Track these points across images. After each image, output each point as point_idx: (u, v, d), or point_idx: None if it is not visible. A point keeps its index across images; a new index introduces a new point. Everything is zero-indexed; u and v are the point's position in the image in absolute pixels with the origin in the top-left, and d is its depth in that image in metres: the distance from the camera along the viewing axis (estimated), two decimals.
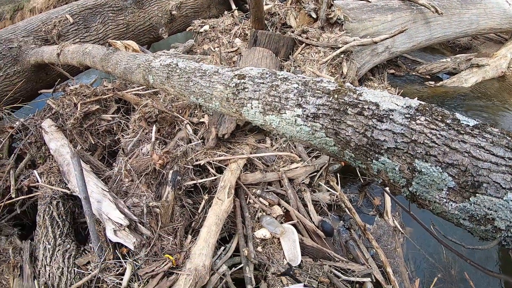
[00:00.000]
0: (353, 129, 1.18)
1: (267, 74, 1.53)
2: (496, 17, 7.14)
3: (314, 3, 4.06)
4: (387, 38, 4.15)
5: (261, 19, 3.96)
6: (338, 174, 3.41)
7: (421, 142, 1.04)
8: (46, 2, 15.95)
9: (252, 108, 1.51)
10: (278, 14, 4.30)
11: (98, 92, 3.74)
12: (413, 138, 1.05)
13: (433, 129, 1.04)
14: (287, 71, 3.59)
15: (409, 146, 1.05)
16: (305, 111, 1.31)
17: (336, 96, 1.27)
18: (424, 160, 1.03)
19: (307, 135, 1.33)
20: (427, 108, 1.10)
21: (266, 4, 4.27)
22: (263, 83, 1.49)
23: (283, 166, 3.05)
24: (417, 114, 1.09)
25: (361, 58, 4.40)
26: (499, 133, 0.99)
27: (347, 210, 3.13)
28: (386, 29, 5.11)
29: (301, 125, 1.33)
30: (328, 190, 3.21)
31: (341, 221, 3.16)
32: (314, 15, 4.05)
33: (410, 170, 1.06)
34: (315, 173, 3.24)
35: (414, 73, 6.45)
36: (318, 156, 3.26)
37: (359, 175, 3.54)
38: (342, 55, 3.70)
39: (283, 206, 2.87)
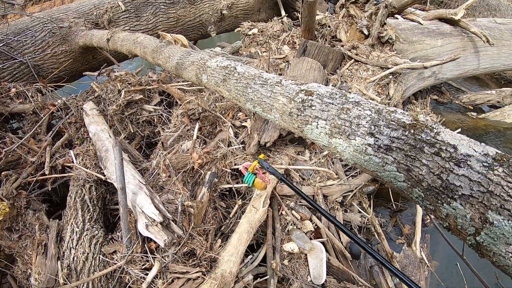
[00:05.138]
0: (428, 169, 1.14)
1: (337, 94, 1.49)
2: None
3: (367, 20, 3.99)
4: (437, 64, 4.04)
5: (311, 29, 3.92)
6: (371, 196, 3.34)
7: (497, 194, 1.00)
8: None
9: (317, 128, 1.47)
10: (329, 26, 4.24)
11: (143, 82, 3.78)
12: (489, 189, 1.02)
13: (510, 182, 1.00)
14: (333, 85, 3.54)
15: (484, 196, 1.02)
16: (377, 141, 1.27)
17: (412, 131, 1.22)
18: (497, 213, 1.00)
19: (376, 166, 1.29)
20: (504, 159, 1.07)
21: (317, 15, 4.22)
22: (332, 103, 1.45)
23: (319, 182, 3.00)
24: (494, 164, 1.05)
25: (407, 81, 4.30)
26: None
27: (376, 235, 3.06)
28: (435, 53, 5.00)
29: (371, 155, 1.29)
30: (360, 212, 3.15)
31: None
32: (365, 32, 3.98)
33: (481, 220, 1.03)
34: (349, 193, 3.18)
35: (457, 102, 6.28)
36: (354, 176, 3.21)
37: (392, 200, 3.47)
38: (390, 76, 3.62)
39: (314, 222, 2.83)
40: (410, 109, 4.58)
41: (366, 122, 1.32)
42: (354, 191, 3.19)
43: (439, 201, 1.12)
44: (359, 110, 1.37)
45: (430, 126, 1.23)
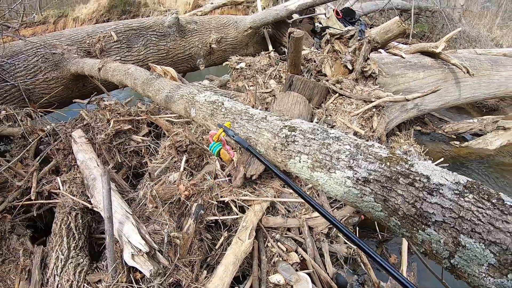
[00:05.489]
0: (403, 199, 1.21)
1: (318, 130, 1.57)
2: None
3: (351, 55, 4.14)
4: (419, 97, 4.18)
5: (298, 64, 4.05)
6: (357, 227, 3.37)
7: (468, 218, 1.07)
8: (90, 15, 16.67)
9: (300, 162, 1.53)
10: (315, 61, 4.38)
11: (132, 112, 3.83)
12: (460, 215, 1.08)
13: (479, 207, 1.07)
14: (318, 119, 3.63)
15: (456, 222, 1.09)
16: (356, 174, 1.34)
17: (388, 163, 1.29)
18: (469, 236, 1.06)
19: (355, 197, 1.35)
20: (474, 186, 1.13)
21: (303, 50, 4.36)
22: (314, 139, 1.52)
23: (305, 214, 3.03)
24: (465, 191, 1.12)
25: (390, 113, 4.43)
26: None
27: (362, 265, 3.07)
28: (417, 86, 5.17)
29: (350, 187, 1.35)
30: (346, 243, 3.16)
31: (355, 276, 3.10)
32: (350, 67, 4.12)
33: (454, 244, 1.09)
34: None
35: (440, 132, 6.45)
36: (340, 208, 3.24)
37: (378, 230, 3.50)
38: (374, 109, 3.73)
39: (300, 254, 2.84)
40: (394, 140, 4.69)
41: (346, 156, 1.39)
42: None
43: (414, 228, 1.18)
44: (339, 145, 1.45)
45: (405, 158, 1.30)
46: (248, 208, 2.90)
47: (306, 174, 1.53)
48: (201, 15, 13.19)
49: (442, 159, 4.31)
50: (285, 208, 3.03)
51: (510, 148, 6.45)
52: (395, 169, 1.27)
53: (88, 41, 4.89)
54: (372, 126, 3.67)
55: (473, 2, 21.32)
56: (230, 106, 2.09)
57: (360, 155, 1.37)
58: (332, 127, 3.49)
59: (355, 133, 3.47)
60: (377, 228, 3.49)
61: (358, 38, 4.24)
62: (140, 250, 2.25)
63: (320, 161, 1.46)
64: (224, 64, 5.25)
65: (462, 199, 1.10)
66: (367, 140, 3.61)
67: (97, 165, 3.16)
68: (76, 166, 3.31)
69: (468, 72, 5.66)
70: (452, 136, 6.41)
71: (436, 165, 4.05)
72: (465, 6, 16.63)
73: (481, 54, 7.77)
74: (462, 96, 6.12)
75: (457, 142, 6.22)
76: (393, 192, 1.23)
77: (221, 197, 2.91)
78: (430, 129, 6.49)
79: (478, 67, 6.23)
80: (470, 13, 17.58)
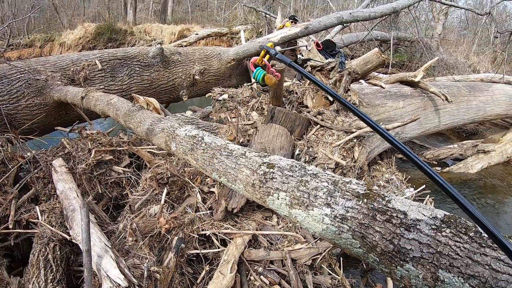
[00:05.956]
0: (380, 235, 1.22)
1: (296, 167, 1.58)
2: (503, 104, 7.41)
3: (332, 87, 4.23)
4: (399, 126, 4.27)
5: (279, 96, 4.11)
6: (341, 257, 3.35)
7: (446, 253, 1.07)
8: (76, 41, 16.77)
9: (278, 199, 1.54)
10: (296, 93, 4.45)
11: (114, 142, 3.80)
12: (438, 250, 1.09)
13: (457, 241, 1.08)
14: (300, 150, 3.66)
15: (434, 257, 1.09)
16: (333, 211, 1.35)
17: (365, 200, 1.31)
18: (447, 271, 1.06)
19: (333, 234, 1.36)
20: (452, 220, 1.15)
21: (285, 82, 4.44)
22: (292, 176, 1.54)
23: (288, 246, 3.00)
24: (442, 225, 1.13)
25: (371, 143, 4.50)
26: None
27: None
28: (397, 115, 5.29)
29: (328, 224, 1.36)
30: (330, 274, 3.14)
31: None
32: (330, 98, 4.19)
33: (433, 279, 1.09)
34: (318, 255, 3.18)
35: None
36: (322, 239, 3.23)
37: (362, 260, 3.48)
38: (355, 140, 3.79)
39: (283, 287, 2.79)
40: (376, 169, 4.75)
41: (323, 193, 1.40)
42: (323, 253, 3.20)
43: (393, 264, 1.19)
44: (317, 182, 1.46)
45: (382, 194, 1.32)
46: (230, 241, 2.87)
47: (284, 211, 1.54)
48: (186, 46, 13.42)
49: (423, 186, 4.37)
50: (267, 240, 3.01)
51: (491, 171, 6.60)
52: (372, 206, 1.28)
53: (72, 69, 4.88)
54: (353, 156, 3.72)
55: (450, 31, 22.24)
56: (210, 141, 2.10)
57: (338, 192, 1.38)
58: (314, 158, 3.52)
59: (337, 164, 3.49)
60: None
61: (339, 69, 4.35)
62: (119, 285, 2.21)
63: (298, 198, 1.46)
64: (207, 95, 5.29)
65: (439, 234, 1.11)
66: (350, 170, 3.66)
67: (77, 196, 3.12)
68: (55, 195, 3.26)
69: (446, 99, 5.83)
70: (434, 162, 6.53)
71: (417, 192, 4.10)
72: (443, 35, 17.28)
73: (459, 81, 8.05)
74: (442, 123, 6.27)
75: (439, 168, 6.34)
76: (370, 229, 1.24)
77: (203, 230, 2.88)
78: None
79: (457, 94, 6.42)
80: (447, 42, 18.29)
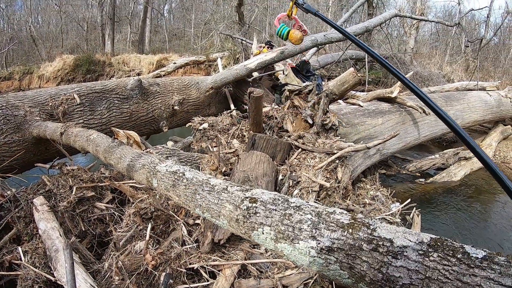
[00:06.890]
0: (368, 265, 1.21)
1: (279, 200, 1.58)
2: (479, 110, 7.65)
3: (311, 109, 4.29)
4: (380, 143, 4.34)
5: (259, 122, 4.14)
6: (333, 281, 3.33)
7: (435, 278, 1.07)
8: (55, 73, 16.70)
9: (263, 233, 1.52)
10: (276, 118, 4.48)
11: (95, 178, 3.75)
12: (427, 275, 1.09)
13: (445, 265, 1.08)
14: (283, 176, 3.67)
15: (423, 282, 1.09)
16: (319, 243, 1.34)
17: (350, 230, 1.31)
18: None
19: (321, 266, 1.34)
20: (438, 243, 1.15)
21: (264, 107, 4.48)
22: (275, 209, 1.53)
23: (278, 273, 2.97)
24: (429, 250, 1.14)
25: (354, 162, 4.55)
26: (506, 262, 1.03)
27: None
28: (377, 132, 5.38)
29: (315, 256, 1.35)
30: None
31: None
32: (310, 121, 4.24)
33: None
34: (310, 280, 3.15)
35: (404, 172, 6.65)
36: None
37: None
38: (337, 161, 3.82)
39: None
40: (360, 187, 4.78)
41: (308, 226, 1.39)
42: (314, 277, 3.17)
43: None
44: (300, 215, 1.45)
45: (367, 223, 1.31)
46: (218, 273, 2.82)
47: (270, 245, 1.52)
48: (164, 75, 13.51)
49: (409, 199, 4.41)
50: (256, 269, 2.97)
51: (474, 176, 6.73)
52: (357, 235, 1.28)
53: (51, 103, 4.80)
54: (337, 177, 3.74)
55: (422, 44, 23.00)
56: (191, 176, 2.09)
57: (322, 223, 1.38)
58: (298, 182, 3.53)
59: (321, 186, 3.51)
60: None
61: (316, 92, 4.43)
62: None
63: (283, 232, 1.45)
64: (187, 125, 5.30)
65: (427, 259, 1.11)
66: (334, 191, 3.69)
67: (60, 235, 3.04)
68: (38, 235, 3.17)
69: (424, 111, 5.99)
70: (417, 174, 6.64)
71: (404, 206, 4.12)
72: (415, 49, 17.84)
73: (434, 92, 8.29)
74: (421, 135, 6.40)
75: (422, 180, 6.43)
76: (358, 259, 1.24)
77: (190, 264, 2.82)
78: (395, 170, 6.70)
79: None
80: (421, 55, 18.90)
